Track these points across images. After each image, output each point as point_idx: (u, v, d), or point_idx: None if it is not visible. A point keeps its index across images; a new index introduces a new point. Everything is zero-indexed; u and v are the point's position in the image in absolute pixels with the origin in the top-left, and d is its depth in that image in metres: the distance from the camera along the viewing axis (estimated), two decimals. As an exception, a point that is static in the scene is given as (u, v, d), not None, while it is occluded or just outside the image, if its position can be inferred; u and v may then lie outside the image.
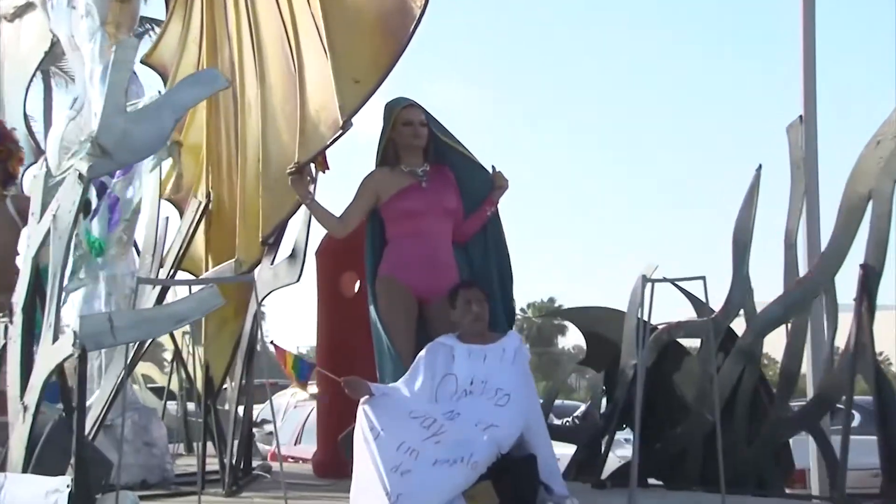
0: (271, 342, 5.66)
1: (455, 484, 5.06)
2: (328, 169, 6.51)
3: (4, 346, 5.52)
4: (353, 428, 5.48)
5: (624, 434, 7.68)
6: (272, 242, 7.01)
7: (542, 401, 6.34)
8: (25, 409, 4.90)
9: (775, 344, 7.02)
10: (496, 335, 5.81)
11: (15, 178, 7.45)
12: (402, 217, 6.15)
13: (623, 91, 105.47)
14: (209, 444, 7.47)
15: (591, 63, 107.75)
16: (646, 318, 6.28)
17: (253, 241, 7.01)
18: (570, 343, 67.33)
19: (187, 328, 9.78)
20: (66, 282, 5.27)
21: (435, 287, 6.02)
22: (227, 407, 8.21)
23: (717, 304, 6.85)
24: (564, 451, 7.11)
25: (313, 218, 6.53)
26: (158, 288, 7.16)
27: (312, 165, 6.39)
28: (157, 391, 14.13)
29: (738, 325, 6.95)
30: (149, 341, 7.52)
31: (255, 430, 9.61)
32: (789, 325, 6.69)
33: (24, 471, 4.84)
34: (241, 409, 7.44)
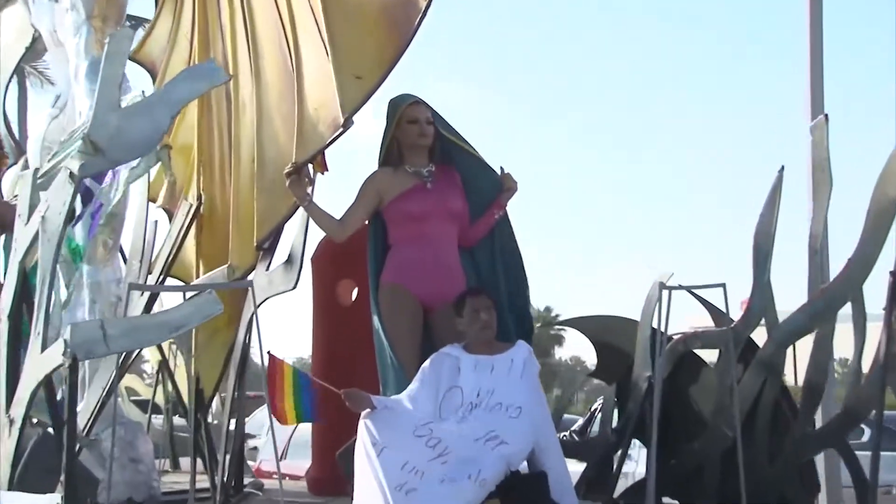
0: (268, 352, 5.53)
1: (463, 502, 5.00)
2: (327, 170, 6.45)
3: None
4: (353, 443, 5.42)
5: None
6: (267, 247, 6.93)
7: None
8: (12, 422, 4.83)
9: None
10: (504, 345, 5.73)
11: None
12: (405, 220, 6.07)
13: (623, 91, 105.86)
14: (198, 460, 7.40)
15: (590, 63, 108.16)
16: (662, 327, 6.22)
17: (247, 245, 6.93)
18: (568, 354, 67.49)
19: (173, 337, 9.69)
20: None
21: (440, 294, 5.95)
22: (213, 421, 8.14)
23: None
24: (574, 469, 7.04)
25: (311, 221, 6.46)
26: (147, 296, 7.08)
27: (310, 166, 6.32)
28: (141, 404, 14.00)
29: (758, 336, 6.88)
30: (136, 351, 7.45)
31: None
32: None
33: (10, 488, 4.76)
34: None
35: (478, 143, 6.32)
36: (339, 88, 6.04)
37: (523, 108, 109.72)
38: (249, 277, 6.90)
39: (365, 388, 5.65)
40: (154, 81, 7.89)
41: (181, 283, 7.63)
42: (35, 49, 9.56)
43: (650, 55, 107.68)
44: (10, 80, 9.77)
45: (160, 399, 12.78)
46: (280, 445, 12.10)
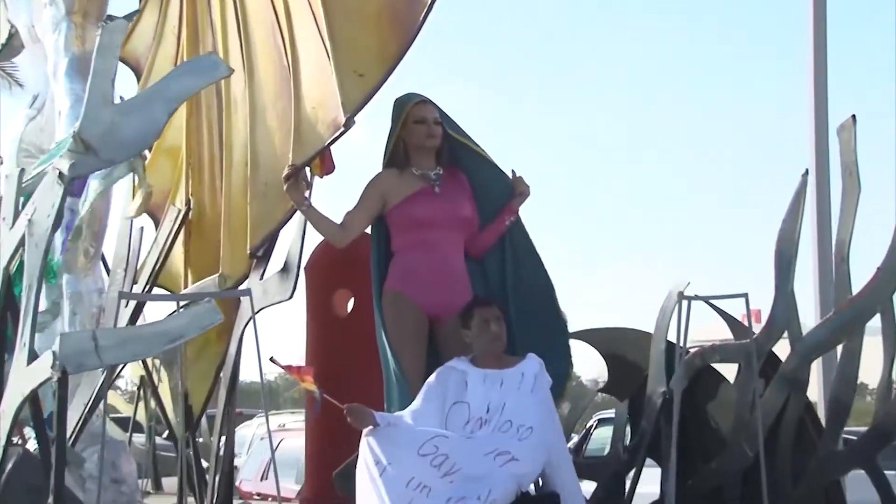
0: (270, 358, 5.46)
1: (472, 523, 4.92)
2: (327, 173, 6.37)
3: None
4: (352, 461, 5.36)
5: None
6: (261, 255, 6.87)
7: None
8: (-6, 438, 4.73)
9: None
10: (514, 358, 5.67)
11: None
12: (411, 226, 5.98)
13: (623, 91, 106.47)
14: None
15: (589, 64, 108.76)
16: (681, 340, 6.15)
17: (239, 253, 6.87)
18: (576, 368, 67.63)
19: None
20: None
21: (446, 304, 5.87)
22: (199, 439, 8.06)
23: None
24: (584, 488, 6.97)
25: (308, 227, 6.37)
26: (133, 306, 6.99)
27: (308, 169, 6.22)
28: (120, 422, 13.82)
29: (781, 349, 6.83)
30: (121, 366, 7.37)
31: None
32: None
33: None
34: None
35: (478, 143, 6.26)
36: (339, 86, 5.98)
37: (523, 108, 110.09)
38: (243, 287, 6.83)
39: (360, 403, 5.57)
40: (139, 80, 7.80)
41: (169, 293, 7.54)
42: (11, 45, 9.46)
43: (650, 55, 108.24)
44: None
45: (142, 416, 12.58)
46: (260, 466, 12.04)
